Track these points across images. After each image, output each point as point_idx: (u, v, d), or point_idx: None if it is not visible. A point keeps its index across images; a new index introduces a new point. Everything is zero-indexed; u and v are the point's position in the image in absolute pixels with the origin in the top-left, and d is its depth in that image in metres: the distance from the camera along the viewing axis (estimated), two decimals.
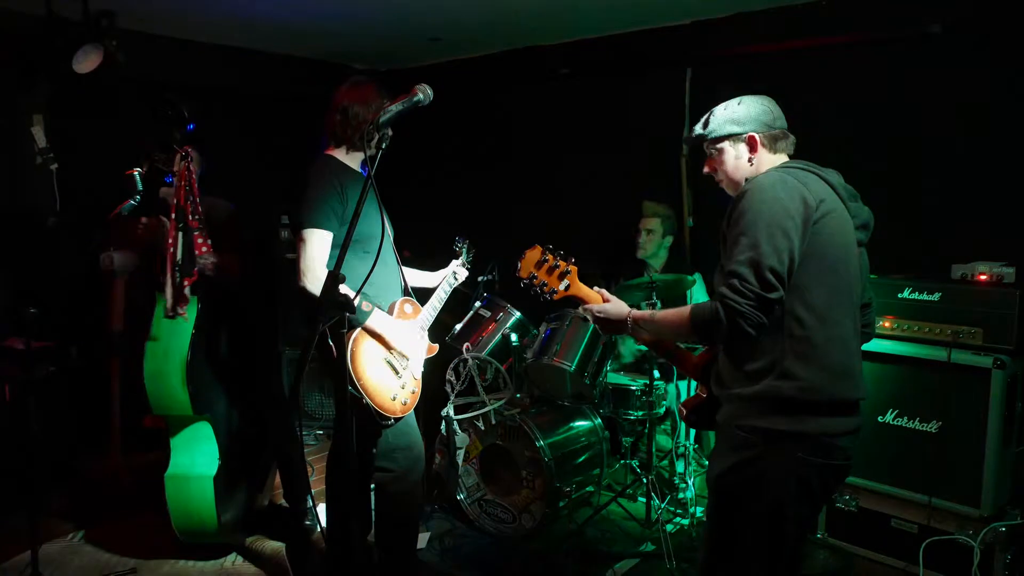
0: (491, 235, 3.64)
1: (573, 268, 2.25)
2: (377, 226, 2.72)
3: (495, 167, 5.36)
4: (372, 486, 2.92)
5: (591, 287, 2.29)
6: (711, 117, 2.13)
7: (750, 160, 2.08)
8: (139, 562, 3.31)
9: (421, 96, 2.10)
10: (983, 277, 3.08)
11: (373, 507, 2.96)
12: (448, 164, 5.58)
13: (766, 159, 2.07)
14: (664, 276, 3.75)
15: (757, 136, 2.05)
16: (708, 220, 4.36)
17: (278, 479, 3.74)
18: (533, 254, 2.27)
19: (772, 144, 2.07)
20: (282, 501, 3.78)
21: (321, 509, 3.66)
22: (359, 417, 2.71)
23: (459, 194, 5.48)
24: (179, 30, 4.45)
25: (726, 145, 2.09)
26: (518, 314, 3.75)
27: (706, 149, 2.16)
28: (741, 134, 2.06)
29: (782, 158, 2.09)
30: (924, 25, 3.54)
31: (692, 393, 3.89)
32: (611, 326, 2.19)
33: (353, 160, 2.82)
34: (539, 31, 4.67)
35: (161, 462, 3.24)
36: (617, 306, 2.19)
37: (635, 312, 2.14)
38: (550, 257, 2.24)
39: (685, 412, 2.25)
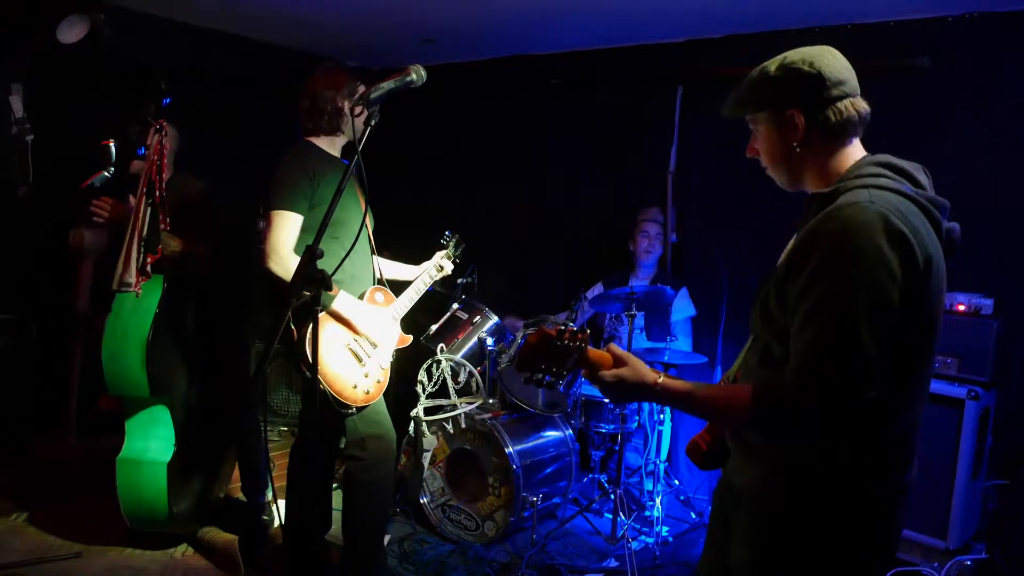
0: (475, 239, 3.60)
1: (585, 344, 1.64)
2: (350, 212, 2.68)
3: (483, 172, 5.33)
4: (335, 485, 2.85)
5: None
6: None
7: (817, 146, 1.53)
8: (84, 547, 3.18)
9: (414, 76, 2.05)
10: (961, 308, 3.09)
11: (339, 503, 2.89)
12: (435, 168, 5.54)
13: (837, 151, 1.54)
14: (646, 288, 3.72)
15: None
16: (692, 236, 4.37)
17: (236, 471, 3.63)
18: (539, 342, 1.65)
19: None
20: (240, 495, 3.67)
21: (282, 504, 3.57)
22: (324, 406, 2.64)
23: (445, 198, 5.44)
24: (168, 10, 4.38)
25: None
26: (495, 318, 3.71)
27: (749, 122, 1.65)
28: (780, 111, 1.54)
29: (856, 148, 1.56)
30: (913, 58, 3.59)
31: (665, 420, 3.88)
32: (627, 394, 1.58)
33: (332, 146, 2.80)
34: (533, 40, 4.67)
35: (116, 446, 3.13)
36: (636, 371, 1.56)
37: (667, 382, 1.53)
38: (559, 342, 1.63)
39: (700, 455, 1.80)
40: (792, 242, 1.50)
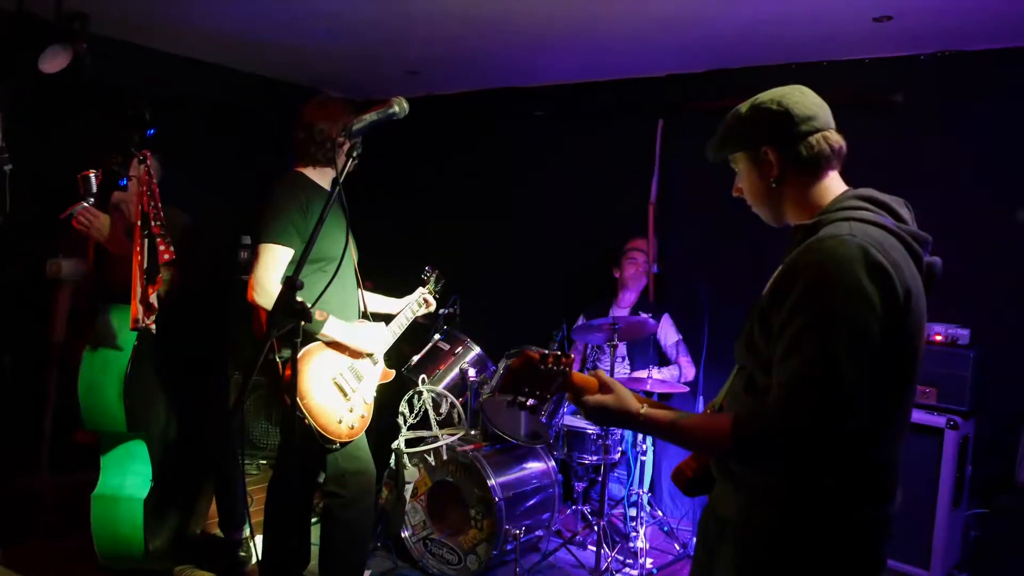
0: (457, 270, 3.61)
1: (569, 368, 1.65)
2: (339, 247, 2.67)
3: (464, 203, 5.35)
4: (313, 519, 2.81)
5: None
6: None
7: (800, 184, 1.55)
8: None
9: (396, 108, 2.06)
10: (938, 338, 3.13)
11: (317, 538, 2.84)
12: (418, 199, 5.56)
13: (814, 184, 1.56)
14: (628, 318, 3.73)
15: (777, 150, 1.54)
16: (674, 267, 4.41)
17: (213, 507, 3.56)
18: (522, 365, 1.64)
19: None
20: (216, 531, 3.60)
21: (259, 540, 3.50)
22: (304, 441, 2.61)
23: (427, 229, 5.45)
24: (153, 40, 4.40)
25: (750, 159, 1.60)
26: (477, 349, 3.69)
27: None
28: (755, 150, 1.57)
29: (835, 181, 1.57)
30: (888, 94, 3.68)
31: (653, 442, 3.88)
32: (609, 420, 1.60)
33: (323, 178, 2.78)
34: (517, 73, 4.73)
35: (91, 482, 3.07)
36: (621, 399, 1.57)
37: (651, 412, 1.55)
38: (542, 366, 1.63)
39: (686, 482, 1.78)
40: (777, 272, 1.51)
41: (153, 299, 2.77)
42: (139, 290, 2.73)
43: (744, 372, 1.57)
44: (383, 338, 2.89)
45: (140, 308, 2.74)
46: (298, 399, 2.54)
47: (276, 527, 2.80)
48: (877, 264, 1.35)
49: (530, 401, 1.65)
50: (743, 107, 1.59)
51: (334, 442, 2.65)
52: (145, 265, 2.74)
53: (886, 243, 1.40)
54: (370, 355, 2.84)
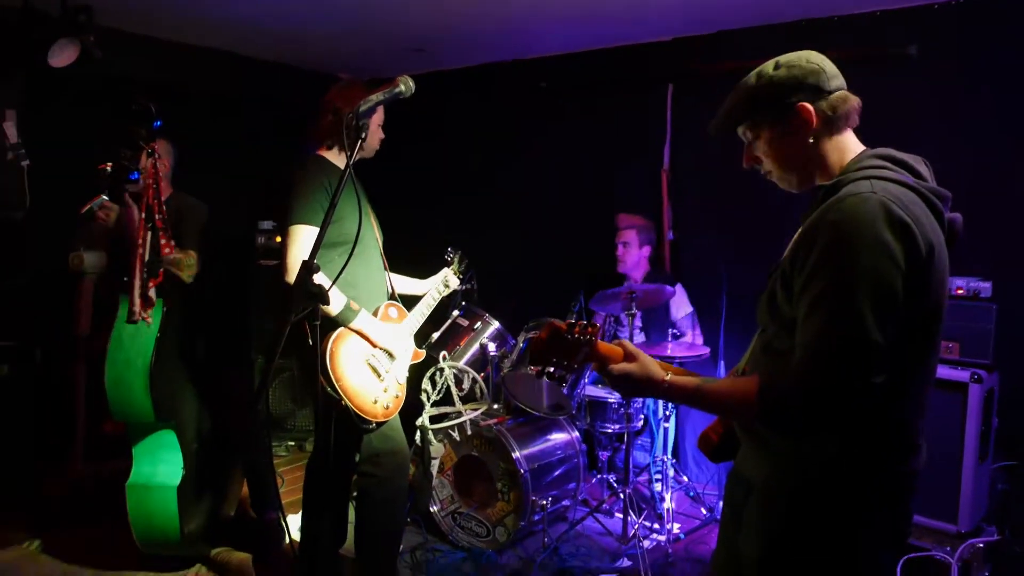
0: (472, 245, 3.61)
1: (595, 337, 1.67)
2: (365, 227, 2.69)
3: (476, 179, 5.34)
4: (354, 494, 2.86)
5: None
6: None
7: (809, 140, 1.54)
8: (98, 572, 3.18)
9: (402, 88, 2.06)
10: (959, 292, 3.09)
11: (351, 516, 2.89)
12: (428, 176, 5.55)
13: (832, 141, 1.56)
14: (643, 286, 3.72)
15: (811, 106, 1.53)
16: (689, 233, 4.38)
17: (245, 488, 3.63)
18: (550, 336, 1.65)
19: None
20: (250, 512, 3.67)
21: (291, 519, 3.57)
22: (340, 421, 2.65)
23: (440, 206, 5.45)
24: (158, 29, 4.40)
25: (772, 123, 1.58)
26: (496, 324, 3.71)
27: (741, 135, 1.65)
28: (787, 107, 1.54)
29: (854, 141, 1.58)
30: (902, 46, 3.61)
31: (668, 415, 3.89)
32: (634, 389, 1.60)
33: (343, 161, 2.79)
34: (523, 45, 4.69)
35: (124, 470, 3.13)
36: (645, 367, 1.58)
37: (675, 379, 1.56)
38: (569, 336, 1.65)
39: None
40: (797, 234, 1.51)
41: (152, 293, 2.81)
42: (139, 283, 2.76)
43: (766, 335, 1.58)
44: (406, 341, 2.91)
45: (139, 301, 2.77)
46: (334, 381, 2.58)
47: (314, 508, 2.85)
48: (899, 220, 1.35)
49: (558, 372, 1.66)
50: (766, 69, 1.57)
51: (370, 422, 2.69)
52: (147, 258, 2.77)
53: (907, 199, 1.40)
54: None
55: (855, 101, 1.56)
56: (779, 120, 1.55)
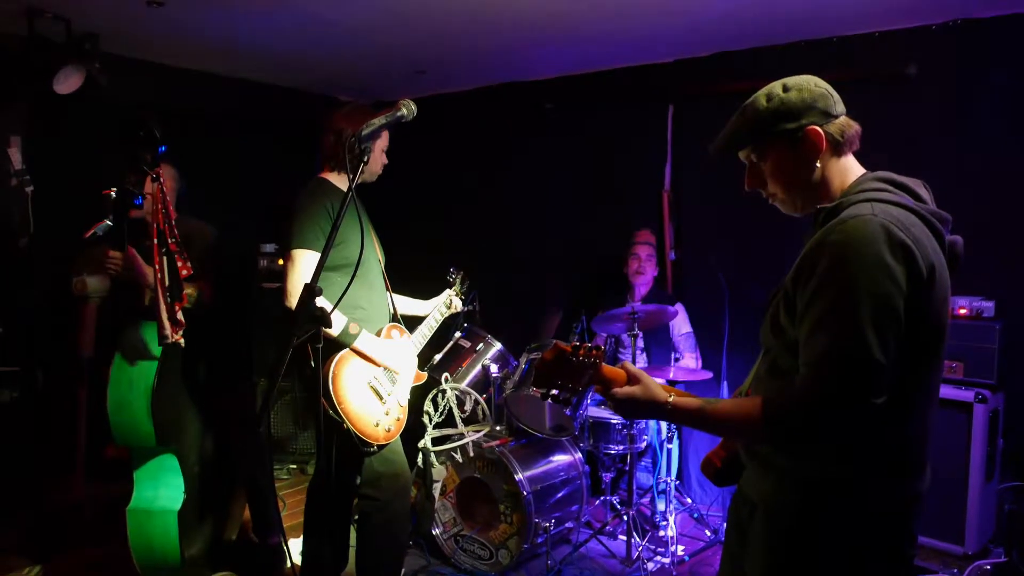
0: (474, 264, 3.62)
1: (600, 360, 1.64)
2: (368, 250, 2.70)
3: (478, 200, 5.37)
4: (355, 517, 2.84)
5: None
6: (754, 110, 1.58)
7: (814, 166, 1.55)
8: None
9: (404, 111, 2.08)
10: (963, 311, 3.09)
11: (353, 540, 2.87)
12: (433, 198, 5.58)
13: (835, 166, 1.57)
14: (645, 307, 3.72)
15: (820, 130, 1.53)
16: (690, 253, 4.39)
17: (247, 512, 3.61)
18: (555, 358, 1.64)
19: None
20: (252, 536, 3.65)
21: (293, 543, 3.54)
22: (341, 444, 2.64)
23: (444, 227, 5.47)
24: (162, 55, 4.45)
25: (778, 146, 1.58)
26: (499, 345, 3.71)
27: (745, 158, 1.65)
28: (797, 130, 1.53)
29: (855, 164, 1.60)
30: (902, 66, 3.63)
31: (670, 435, 3.88)
32: (637, 411, 1.61)
33: (346, 183, 2.80)
34: (524, 67, 4.73)
35: (125, 493, 3.12)
36: (648, 389, 1.58)
37: (678, 401, 1.55)
38: (574, 358, 1.63)
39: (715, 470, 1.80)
40: (800, 256, 1.51)
41: (179, 315, 2.81)
42: (164, 307, 2.77)
43: (769, 356, 1.58)
44: (410, 357, 2.91)
45: (168, 324, 2.78)
46: (336, 404, 2.58)
47: (316, 531, 2.83)
48: (900, 241, 1.36)
49: (562, 395, 1.66)
50: (775, 89, 1.56)
51: (371, 445, 2.68)
52: (167, 283, 2.78)
53: (907, 221, 1.41)
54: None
55: (856, 125, 1.57)
56: (789, 143, 1.55)
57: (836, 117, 1.55)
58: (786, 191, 1.60)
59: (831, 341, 1.35)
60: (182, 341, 2.86)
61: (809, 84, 1.55)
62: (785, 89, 1.55)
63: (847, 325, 1.34)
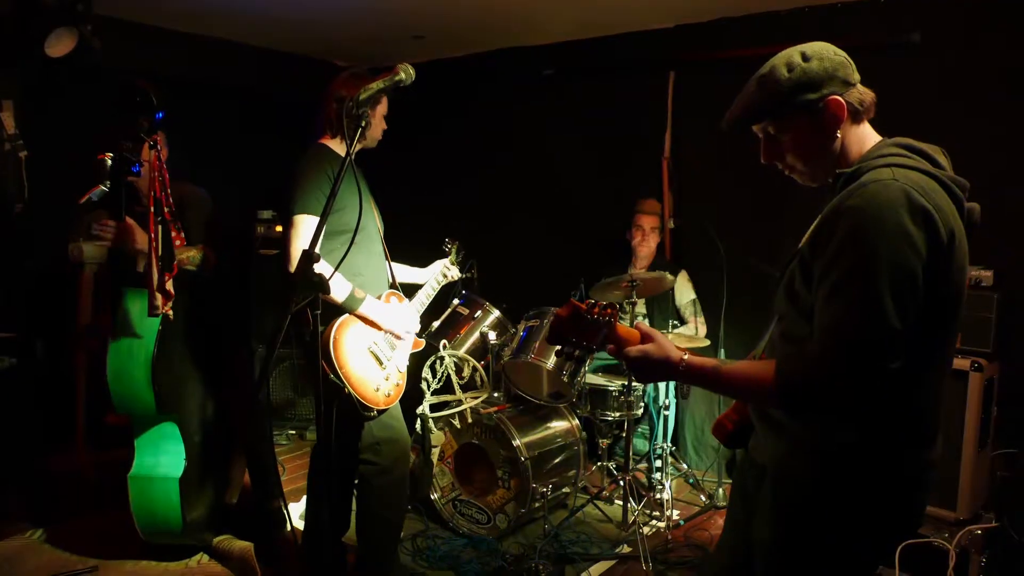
0: (473, 234, 3.62)
1: (614, 318, 1.64)
2: (369, 218, 2.69)
3: (477, 167, 5.33)
4: (356, 481, 2.87)
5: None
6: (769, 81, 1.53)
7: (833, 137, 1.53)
8: (101, 562, 3.19)
9: (403, 75, 2.05)
10: None
11: (354, 505, 2.90)
12: (430, 165, 5.54)
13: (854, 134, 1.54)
14: (646, 274, 3.72)
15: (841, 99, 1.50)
16: (690, 221, 4.37)
17: (247, 477, 3.65)
18: (570, 315, 1.64)
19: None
20: (253, 499, 3.68)
21: (292, 507, 3.58)
22: (342, 409, 2.66)
23: (441, 194, 5.45)
24: (157, 18, 4.38)
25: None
26: (497, 312, 3.72)
27: (760, 131, 1.60)
28: (818, 100, 1.50)
29: (871, 131, 1.57)
30: (905, 33, 3.59)
31: (675, 396, 3.91)
32: (651, 372, 1.57)
33: (345, 149, 2.78)
34: (523, 32, 4.66)
35: (126, 459, 3.13)
36: (662, 348, 1.55)
37: (693, 360, 1.53)
38: (588, 316, 1.63)
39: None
40: (816, 221, 1.50)
41: (170, 286, 2.79)
42: (156, 277, 2.75)
43: (784, 321, 1.57)
44: (414, 321, 2.93)
45: (159, 296, 2.76)
46: (338, 368, 2.59)
47: (319, 495, 2.86)
48: (920, 207, 1.34)
49: (576, 350, 1.65)
50: (794, 57, 1.51)
51: (372, 409, 2.71)
52: (160, 252, 2.75)
53: (928, 187, 1.39)
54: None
55: (872, 93, 1.55)
56: (809, 114, 1.51)
57: (853, 85, 1.52)
58: (806, 163, 1.58)
59: (848, 306, 1.34)
60: (171, 313, 2.84)
61: (828, 52, 1.51)
62: (805, 58, 1.50)
63: (865, 292, 1.32)
